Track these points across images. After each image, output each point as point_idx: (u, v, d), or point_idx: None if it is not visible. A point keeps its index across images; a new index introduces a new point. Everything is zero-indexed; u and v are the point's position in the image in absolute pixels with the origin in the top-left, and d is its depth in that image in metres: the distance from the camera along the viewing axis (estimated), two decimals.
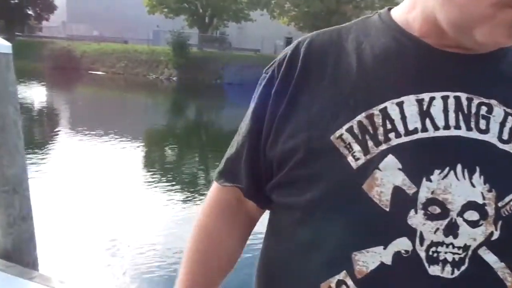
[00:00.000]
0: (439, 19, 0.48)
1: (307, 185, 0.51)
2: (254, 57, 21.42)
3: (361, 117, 0.49)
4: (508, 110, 0.51)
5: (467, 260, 0.47)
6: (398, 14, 0.56)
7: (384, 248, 0.46)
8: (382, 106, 0.49)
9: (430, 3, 0.49)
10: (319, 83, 0.54)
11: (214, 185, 0.68)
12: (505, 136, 0.49)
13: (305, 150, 0.51)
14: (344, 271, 0.48)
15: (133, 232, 4.23)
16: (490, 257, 0.47)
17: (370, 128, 0.49)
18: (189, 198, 5.45)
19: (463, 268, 0.46)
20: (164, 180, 6.07)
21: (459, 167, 0.47)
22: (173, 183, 6.04)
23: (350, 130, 0.49)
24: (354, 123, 0.49)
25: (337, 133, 0.49)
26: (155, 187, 5.70)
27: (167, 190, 5.61)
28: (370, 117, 0.49)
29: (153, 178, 6.12)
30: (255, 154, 0.58)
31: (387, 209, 0.46)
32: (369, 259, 0.47)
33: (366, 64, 0.53)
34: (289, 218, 0.55)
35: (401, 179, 0.46)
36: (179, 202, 5.23)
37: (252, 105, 0.61)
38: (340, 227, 0.49)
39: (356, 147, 0.49)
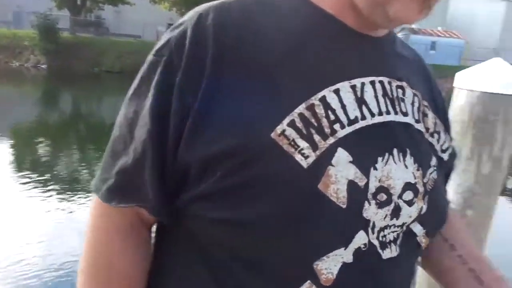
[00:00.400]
0: None
1: (248, 195, 0.43)
2: (134, 43, 20.34)
3: (301, 108, 0.44)
4: (413, 91, 0.54)
5: (401, 235, 0.49)
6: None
7: (345, 249, 0.44)
8: (320, 95, 0.46)
9: None
10: (242, 69, 0.45)
11: (103, 208, 0.52)
12: (416, 116, 0.53)
13: (240, 153, 0.43)
14: (309, 281, 0.44)
15: (7, 241, 3.72)
16: (417, 228, 0.51)
17: (313, 120, 0.45)
18: (69, 200, 4.97)
19: (399, 242, 0.49)
20: (39, 182, 5.43)
21: (395, 152, 0.48)
22: (50, 184, 5.44)
23: (292, 125, 0.44)
24: (295, 116, 0.44)
25: (278, 129, 0.43)
26: (28, 190, 5.07)
27: (42, 193, 5.03)
28: (311, 108, 0.45)
29: (25, 180, 5.43)
30: (162, 161, 0.47)
31: (344, 206, 0.44)
32: (331, 264, 0.44)
33: (290, 47, 0.47)
34: (222, 236, 0.46)
35: (353, 172, 0.45)
36: (58, 205, 4.74)
37: (148, 101, 0.47)
38: (296, 238, 0.43)
39: (303, 143, 0.43)
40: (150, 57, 0.49)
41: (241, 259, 0.45)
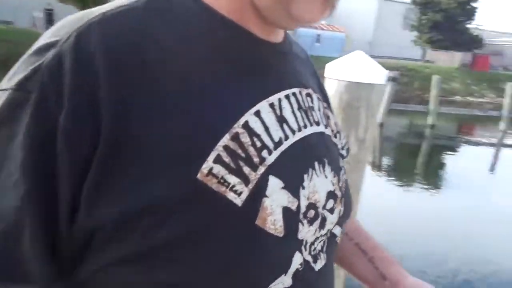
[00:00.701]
0: None
1: (178, 251, 0.37)
2: (5, 30, 18.04)
3: (226, 140, 0.39)
4: (317, 95, 0.54)
5: (326, 242, 0.50)
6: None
7: (285, 274, 0.43)
8: (242, 120, 0.41)
9: None
10: (150, 103, 0.37)
11: None
12: (324, 121, 0.53)
13: (163, 206, 0.36)
14: None
15: None
16: (337, 230, 0.53)
17: (240, 151, 0.40)
18: None
19: (324, 249, 0.50)
20: None
21: (316, 165, 0.48)
22: None
23: (219, 160, 0.39)
24: (220, 150, 0.39)
25: (204, 169, 0.38)
26: None
27: None
28: (235, 138, 0.40)
29: None
30: (49, 230, 0.37)
31: (282, 235, 0.42)
32: None
33: (197, 65, 0.41)
34: None
35: (286, 198, 0.42)
36: None
37: (16, 153, 0.35)
38: (239, 281, 0.40)
39: (234, 179, 0.39)
40: (8, 93, 0.37)
41: None
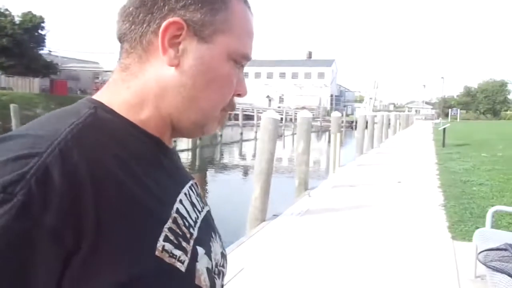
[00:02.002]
0: (178, 119, 0.58)
1: None
2: None
3: (169, 223, 0.53)
4: (195, 181, 0.69)
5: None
6: (126, 113, 0.55)
7: None
8: (175, 208, 0.55)
9: (166, 108, 0.57)
10: (121, 210, 0.48)
11: None
12: (203, 201, 0.69)
13: (136, 279, 0.47)
14: None
15: None
16: (219, 282, 0.63)
17: (178, 230, 0.53)
18: None
19: None
20: None
21: (213, 235, 0.65)
22: None
23: (167, 239, 0.51)
24: (166, 231, 0.51)
25: (159, 247, 0.50)
26: None
27: None
28: (175, 221, 0.54)
29: None
30: None
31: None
32: None
33: (143, 174, 0.53)
34: None
35: (206, 261, 0.58)
36: None
37: None
38: None
39: (178, 252, 0.52)
40: None
41: None
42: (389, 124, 20.82)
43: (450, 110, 67.02)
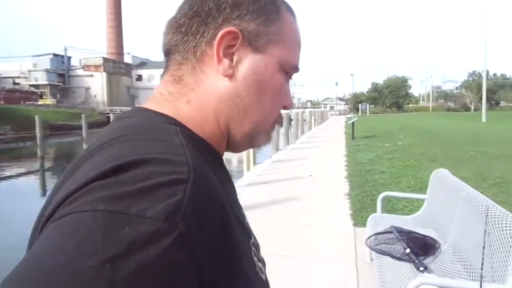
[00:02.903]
0: (233, 132, 0.57)
1: None
2: None
3: (252, 239, 0.55)
4: None
5: None
6: (196, 130, 0.54)
7: None
8: (246, 223, 0.57)
9: (224, 121, 0.56)
10: (223, 253, 0.44)
11: None
12: None
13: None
14: None
15: None
16: None
17: (256, 243, 0.56)
18: None
19: None
20: None
21: None
22: None
23: (255, 254, 0.54)
24: (252, 247, 0.54)
25: (256, 262, 0.53)
26: None
27: None
28: (252, 235, 0.56)
29: None
30: None
31: None
32: None
33: (230, 194, 0.54)
34: None
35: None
36: None
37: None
38: None
39: (260, 264, 0.55)
40: (153, 221, 0.37)
41: None
42: (305, 120, 21.69)
43: (360, 105, 71.86)
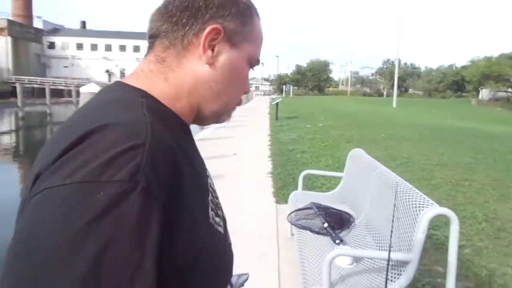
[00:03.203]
0: (203, 109, 0.68)
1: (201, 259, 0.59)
2: None
3: (210, 196, 0.65)
4: None
5: None
6: (166, 103, 0.64)
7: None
8: (209, 182, 0.69)
9: (196, 99, 0.67)
10: (190, 189, 0.58)
11: None
12: None
13: (211, 243, 0.61)
14: None
15: None
16: None
17: (214, 200, 0.67)
18: None
19: None
20: None
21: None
22: None
23: (212, 209, 0.64)
24: (209, 202, 0.64)
25: (210, 215, 0.63)
26: None
27: None
28: (211, 193, 0.67)
29: None
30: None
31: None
32: None
33: (192, 157, 0.65)
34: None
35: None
36: None
37: (145, 256, 0.46)
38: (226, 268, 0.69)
39: (217, 219, 0.65)
40: (119, 183, 0.46)
41: None
42: None
43: (284, 86, 73.59)
